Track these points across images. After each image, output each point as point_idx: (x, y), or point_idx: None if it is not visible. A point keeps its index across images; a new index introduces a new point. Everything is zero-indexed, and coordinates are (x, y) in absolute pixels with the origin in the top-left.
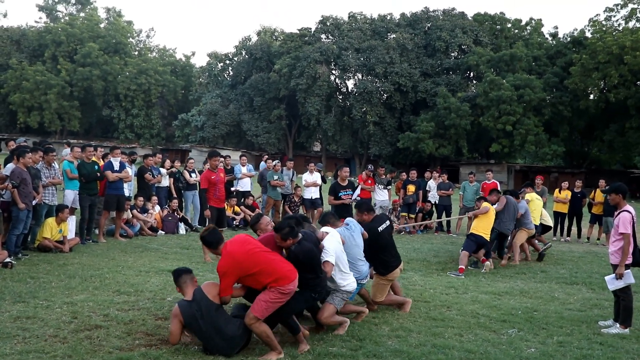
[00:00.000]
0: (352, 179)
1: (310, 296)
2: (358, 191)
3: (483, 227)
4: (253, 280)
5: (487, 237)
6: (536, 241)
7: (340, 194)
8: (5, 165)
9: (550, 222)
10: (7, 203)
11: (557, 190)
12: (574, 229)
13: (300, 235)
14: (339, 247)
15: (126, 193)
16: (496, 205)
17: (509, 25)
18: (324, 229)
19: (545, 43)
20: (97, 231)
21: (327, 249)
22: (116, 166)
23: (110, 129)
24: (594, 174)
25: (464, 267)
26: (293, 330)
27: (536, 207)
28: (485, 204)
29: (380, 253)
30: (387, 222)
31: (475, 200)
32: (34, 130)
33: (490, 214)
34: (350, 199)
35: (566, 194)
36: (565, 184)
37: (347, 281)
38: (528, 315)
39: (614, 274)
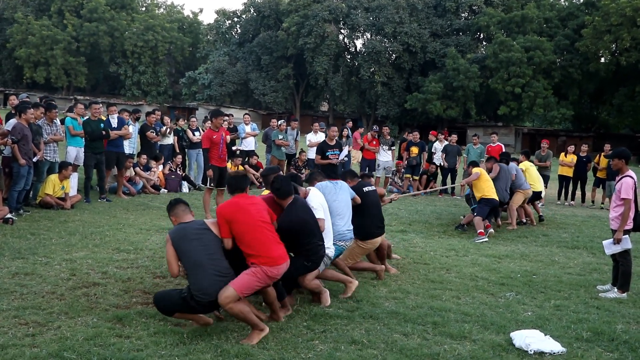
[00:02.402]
0: (359, 140)
1: (303, 264)
2: (345, 151)
3: (489, 189)
4: (240, 243)
5: (496, 198)
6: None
7: (327, 154)
8: (7, 120)
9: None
10: (7, 159)
11: (562, 153)
12: (578, 193)
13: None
14: (324, 204)
15: (128, 150)
16: (490, 173)
17: None
18: (309, 188)
19: (557, 4)
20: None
21: (313, 206)
22: (114, 123)
23: (117, 86)
24: (603, 138)
25: (483, 230)
26: (278, 296)
27: (532, 174)
28: (474, 170)
29: (365, 216)
30: (372, 187)
31: (466, 166)
32: (41, 86)
33: (485, 176)
34: (337, 158)
35: (572, 158)
36: (571, 148)
37: (328, 243)
38: (527, 278)
39: (612, 239)
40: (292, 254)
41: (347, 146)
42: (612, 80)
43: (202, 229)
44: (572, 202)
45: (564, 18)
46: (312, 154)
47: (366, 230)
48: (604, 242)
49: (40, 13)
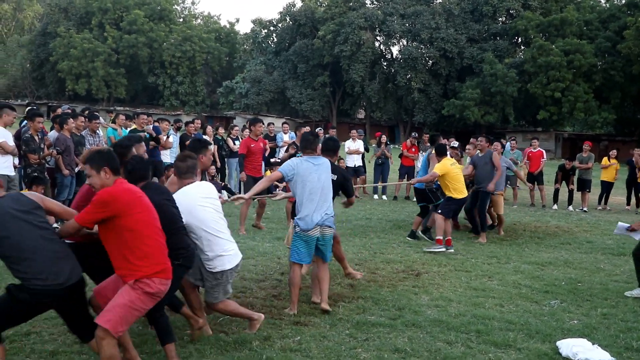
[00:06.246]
0: (397, 146)
1: (178, 266)
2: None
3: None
4: (124, 244)
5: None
6: None
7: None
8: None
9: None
10: (51, 170)
11: (605, 158)
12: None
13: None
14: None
15: (170, 160)
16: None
17: None
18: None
19: (598, 6)
20: None
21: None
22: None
23: (156, 96)
24: None
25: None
26: (174, 308)
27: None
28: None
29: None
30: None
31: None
32: (82, 98)
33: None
34: None
35: (614, 163)
36: (613, 152)
37: (215, 252)
38: (572, 286)
39: (628, 224)
40: None
41: (387, 152)
42: None
43: (29, 204)
44: (627, 207)
45: (605, 20)
46: (350, 161)
47: None
48: (619, 223)
49: (81, 26)
